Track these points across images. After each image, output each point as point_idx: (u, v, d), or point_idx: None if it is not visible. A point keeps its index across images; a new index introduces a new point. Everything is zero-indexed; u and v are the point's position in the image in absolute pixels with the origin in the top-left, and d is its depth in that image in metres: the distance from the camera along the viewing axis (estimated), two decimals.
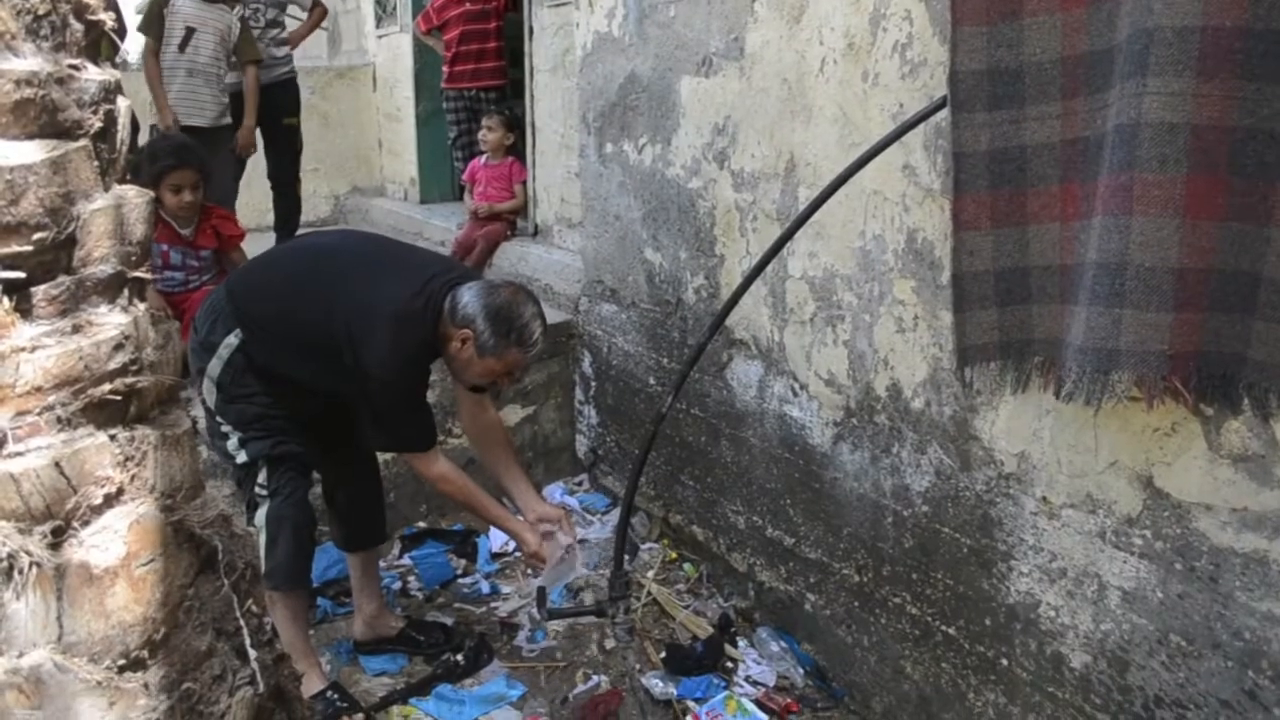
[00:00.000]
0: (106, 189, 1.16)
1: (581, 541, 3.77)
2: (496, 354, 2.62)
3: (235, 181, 5.36)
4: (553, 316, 4.28)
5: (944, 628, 2.63)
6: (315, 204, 7.15)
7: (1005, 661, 2.46)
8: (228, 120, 5.15)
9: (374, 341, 2.57)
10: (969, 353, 2.16)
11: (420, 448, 2.77)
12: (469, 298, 2.62)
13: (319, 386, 2.78)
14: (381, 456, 3.45)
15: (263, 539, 2.72)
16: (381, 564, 3.64)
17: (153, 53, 4.90)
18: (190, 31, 4.88)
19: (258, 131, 5.41)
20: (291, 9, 5.95)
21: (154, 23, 4.87)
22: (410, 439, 2.77)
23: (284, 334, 2.71)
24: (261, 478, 2.75)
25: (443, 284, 2.69)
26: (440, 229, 6.04)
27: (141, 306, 1.19)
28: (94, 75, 1.14)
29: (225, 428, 2.76)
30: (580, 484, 4.35)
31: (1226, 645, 1.96)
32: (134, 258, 1.18)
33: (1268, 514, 1.86)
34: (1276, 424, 1.81)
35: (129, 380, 1.12)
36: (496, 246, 5.19)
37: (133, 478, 1.14)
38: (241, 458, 2.75)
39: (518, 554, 3.82)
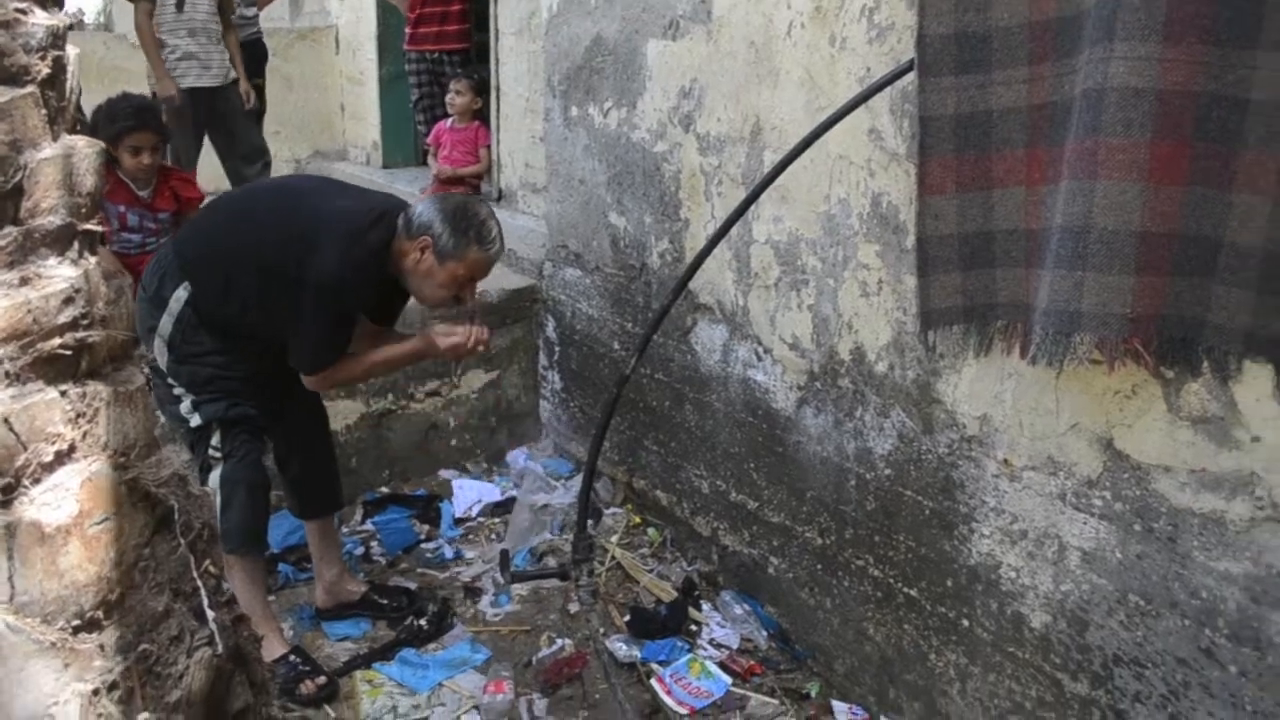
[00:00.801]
0: (55, 138, 1.12)
1: (545, 506, 3.77)
2: (457, 256, 2.62)
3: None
4: (516, 281, 4.26)
5: (906, 589, 2.65)
6: (277, 167, 6.96)
7: (966, 622, 2.48)
8: (234, 76, 5.10)
9: (324, 251, 2.56)
10: (932, 316, 2.16)
11: (324, 367, 2.72)
12: (422, 208, 2.67)
13: (266, 333, 2.72)
14: (341, 423, 3.43)
15: (217, 502, 2.68)
16: (344, 529, 3.61)
17: (146, 14, 4.81)
18: None
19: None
20: None
21: None
22: (321, 355, 2.70)
23: (229, 270, 2.65)
24: (215, 440, 2.71)
25: (395, 206, 2.75)
26: (404, 193, 5.93)
27: (92, 260, 1.15)
28: (41, 20, 1.10)
29: (178, 390, 2.71)
30: (543, 449, 4.33)
31: (1184, 604, 1.98)
32: (84, 209, 1.14)
33: (1225, 475, 1.88)
34: (1235, 386, 1.82)
35: (79, 335, 1.09)
36: None
37: (84, 435, 1.11)
38: (195, 421, 2.71)
39: (481, 519, 3.81)
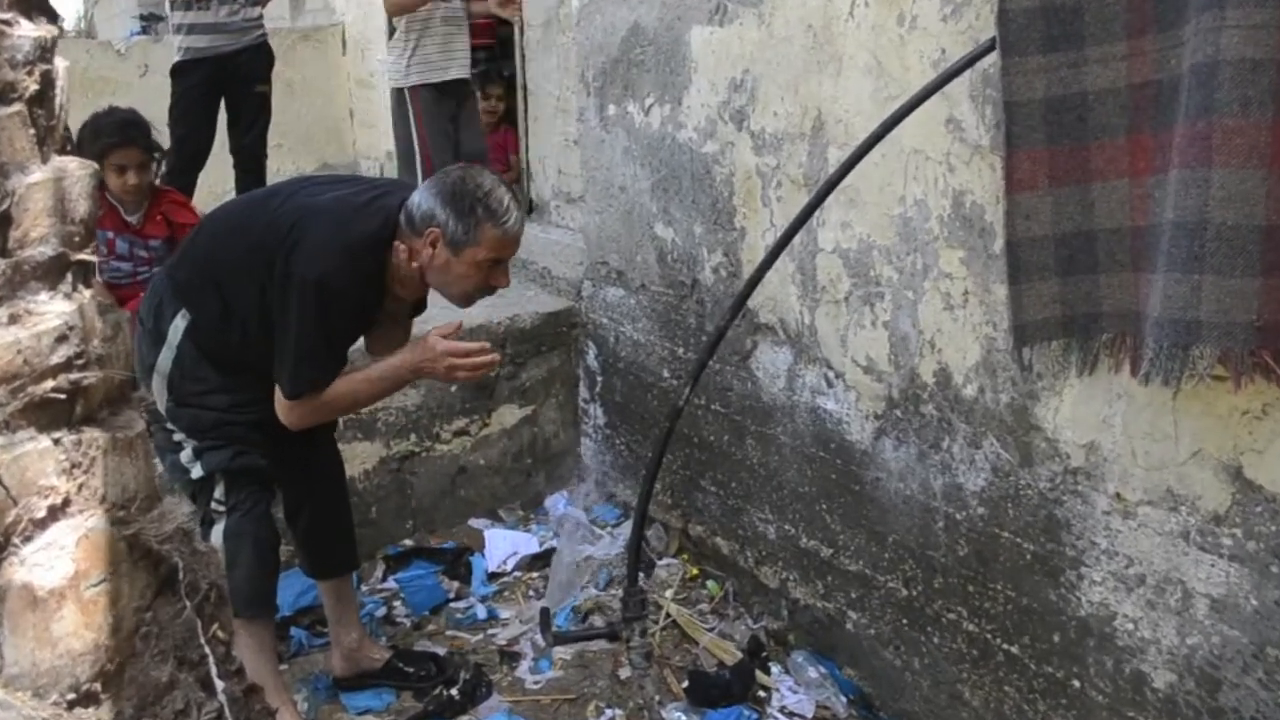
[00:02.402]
0: (45, 160, 1.15)
1: (589, 558, 3.78)
2: (471, 240, 2.55)
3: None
4: (552, 304, 4.30)
5: (1006, 646, 2.62)
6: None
7: (1078, 683, 2.45)
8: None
9: (309, 240, 2.55)
10: (1027, 330, 2.15)
11: (307, 390, 2.64)
12: (419, 197, 2.60)
13: (265, 357, 2.69)
14: (358, 468, 3.45)
15: (221, 559, 2.71)
16: (363, 588, 3.65)
17: None
18: None
19: (223, 103, 5.53)
20: None
21: None
22: (303, 372, 2.62)
23: (225, 291, 2.68)
24: (218, 493, 2.74)
25: (396, 190, 2.74)
26: None
27: (87, 293, 1.18)
28: (28, 31, 1.14)
29: (179, 436, 2.74)
30: (586, 493, 4.35)
31: None
32: (77, 238, 1.17)
33: None
34: None
35: (74, 376, 1.12)
36: None
37: (80, 487, 1.14)
38: (197, 471, 2.74)
39: (517, 573, 3.83)
